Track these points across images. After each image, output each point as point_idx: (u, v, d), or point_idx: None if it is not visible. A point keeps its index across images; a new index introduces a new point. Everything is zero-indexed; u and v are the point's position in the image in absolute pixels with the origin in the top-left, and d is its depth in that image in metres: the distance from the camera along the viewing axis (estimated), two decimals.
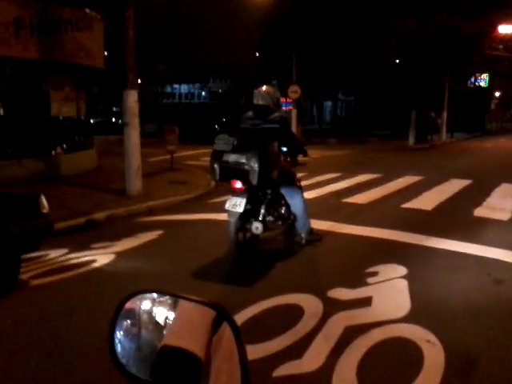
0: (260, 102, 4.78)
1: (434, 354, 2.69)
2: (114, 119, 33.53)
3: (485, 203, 7.37)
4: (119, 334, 0.84)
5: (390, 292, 3.67)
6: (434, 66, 25.00)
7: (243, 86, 32.73)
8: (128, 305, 0.87)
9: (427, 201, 7.56)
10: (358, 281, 3.87)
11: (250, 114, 4.82)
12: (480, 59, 27.95)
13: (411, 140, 22.54)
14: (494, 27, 24.93)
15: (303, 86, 19.30)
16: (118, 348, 0.82)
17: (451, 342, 2.86)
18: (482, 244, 5.08)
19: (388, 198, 8.00)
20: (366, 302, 3.44)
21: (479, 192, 8.36)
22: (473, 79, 33.90)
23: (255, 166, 4.23)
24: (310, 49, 23.58)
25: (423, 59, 23.90)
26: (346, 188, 8.94)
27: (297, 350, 2.74)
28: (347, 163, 14.43)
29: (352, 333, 2.93)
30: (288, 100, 19.72)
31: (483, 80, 36.17)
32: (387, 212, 6.88)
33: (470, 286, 3.93)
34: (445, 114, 26.69)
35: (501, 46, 29.27)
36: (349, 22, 24.37)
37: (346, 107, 37.48)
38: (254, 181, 4.27)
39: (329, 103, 37.09)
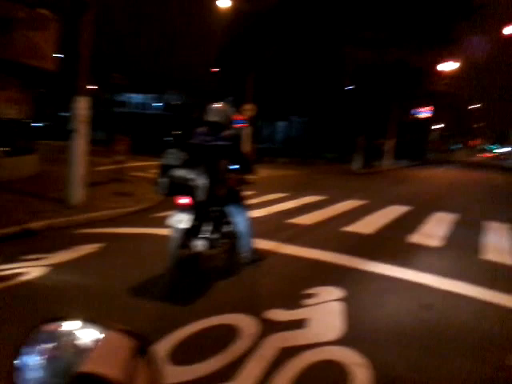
0: (213, 119, 4.80)
1: (363, 377, 2.78)
2: (61, 124, 32.31)
3: (420, 230, 7.77)
4: (28, 361, 0.81)
5: (325, 314, 3.76)
6: (382, 94, 26.30)
7: (198, 100, 32.70)
8: (46, 328, 0.85)
9: (368, 225, 7.86)
10: (296, 302, 3.94)
11: (202, 129, 4.82)
12: (423, 92, 29.72)
13: (358, 164, 23.44)
14: (436, 64, 26.71)
15: (258, 105, 19.60)
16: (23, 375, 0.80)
17: (381, 364, 2.97)
18: (415, 269, 5.33)
19: (331, 220, 8.24)
20: (302, 323, 3.50)
21: (416, 219, 8.80)
22: (416, 110, 35.87)
23: (204, 182, 4.24)
24: (268, 69, 24.07)
25: (375, 88, 25.11)
26: (292, 208, 9.12)
27: (228, 371, 2.74)
28: (295, 184, 14.75)
29: (285, 355, 2.97)
30: (243, 117, 19.94)
31: (424, 112, 38.38)
32: (329, 234, 7.07)
33: (400, 309, 4.10)
34: (391, 142, 28.02)
35: (442, 82, 31.31)
36: (308, 45, 25.16)
37: (299, 128, 38.36)
38: (202, 197, 4.27)
39: (282, 123, 37.93)
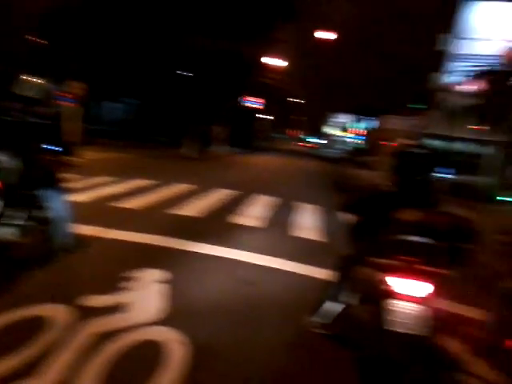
0: (28, 93, 4.29)
1: (182, 353, 2.88)
2: None
3: (244, 211, 8.31)
4: None
5: (147, 296, 3.75)
6: (217, 83, 27.05)
7: (12, 70, 28.72)
8: None
9: (196, 208, 8.06)
10: (116, 286, 3.83)
11: (13, 104, 4.26)
12: (254, 83, 31.58)
13: (190, 149, 23.75)
14: (268, 57, 28.64)
15: (90, 84, 18.19)
16: None
17: (200, 340, 3.10)
18: (236, 248, 5.70)
19: (161, 204, 8.20)
20: (121, 307, 3.43)
21: (241, 201, 9.38)
22: (248, 100, 37.92)
23: (14, 163, 3.78)
24: (101, 47, 22.47)
25: (209, 75, 25.64)
26: (121, 192, 8.78)
27: (36, 364, 2.53)
28: (126, 167, 14.21)
29: (101, 340, 2.88)
30: (70, 95, 18.26)
31: (255, 102, 40.85)
32: (157, 218, 7.04)
33: (221, 286, 4.35)
34: (223, 129, 29.12)
35: (272, 76, 33.76)
36: (143, 27, 24.18)
37: (133, 110, 36.92)
38: (12, 180, 3.80)
39: (117, 104, 35.99)
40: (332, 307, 3.43)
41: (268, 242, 6.43)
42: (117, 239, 5.47)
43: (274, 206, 9.57)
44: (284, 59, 32.82)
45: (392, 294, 2.72)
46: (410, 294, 2.70)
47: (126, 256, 4.90)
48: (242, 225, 7.23)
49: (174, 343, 2.98)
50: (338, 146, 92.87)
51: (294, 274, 5.06)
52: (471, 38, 27.03)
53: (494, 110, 18.84)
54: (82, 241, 4.89)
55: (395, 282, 2.74)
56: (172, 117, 29.48)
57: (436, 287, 2.73)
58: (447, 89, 28.23)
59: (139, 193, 8.88)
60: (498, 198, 18.18)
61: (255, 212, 8.47)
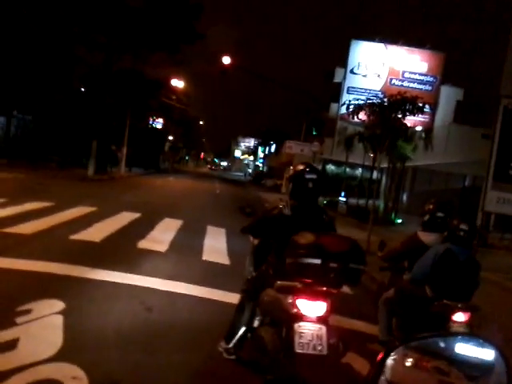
0: None
1: None
2: None
3: (149, 236, 8.09)
4: None
5: (41, 330, 3.46)
6: (117, 101, 26.20)
7: None
8: None
9: (97, 232, 7.66)
10: (6, 321, 3.48)
11: None
12: (157, 104, 31.20)
13: (91, 170, 22.58)
14: (170, 78, 28.53)
15: None
16: None
17: (98, 373, 2.93)
18: (141, 274, 5.52)
19: (57, 228, 7.66)
20: (12, 344, 3.12)
21: (146, 225, 9.12)
22: (151, 121, 37.32)
23: None
24: None
25: (108, 93, 24.73)
26: (10, 216, 8.03)
27: None
28: (16, 188, 13.10)
29: None
30: None
31: (159, 123, 40.41)
32: (54, 244, 6.56)
33: (123, 314, 4.16)
34: (125, 149, 28.14)
35: (174, 97, 33.62)
36: (35, 38, 22.64)
37: (23, 126, 34.19)
38: None
39: (2, 118, 32.99)
40: (239, 331, 3.47)
41: (173, 266, 6.32)
42: (6, 268, 4.97)
43: (179, 229, 9.46)
44: (186, 81, 33.03)
45: (296, 316, 2.84)
46: (310, 314, 2.84)
47: (17, 287, 4.47)
48: (145, 249, 7.03)
49: (70, 380, 2.78)
50: (244, 169, 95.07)
51: (202, 298, 5.02)
52: (361, 74, 29.72)
53: (378, 140, 20.81)
54: None
55: (297, 304, 2.87)
56: (72, 135, 27.82)
57: (329, 306, 2.91)
58: (342, 118, 30.49)
59: (31, 216, 8.20)
60: (396, 220, 19.89)
61: (159, 236, 8.29)
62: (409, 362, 0.89)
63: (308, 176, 3.34)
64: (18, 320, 3.55)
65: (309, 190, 3.33)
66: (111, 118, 27.03)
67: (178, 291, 5.13)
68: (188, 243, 8.04)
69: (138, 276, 5.43)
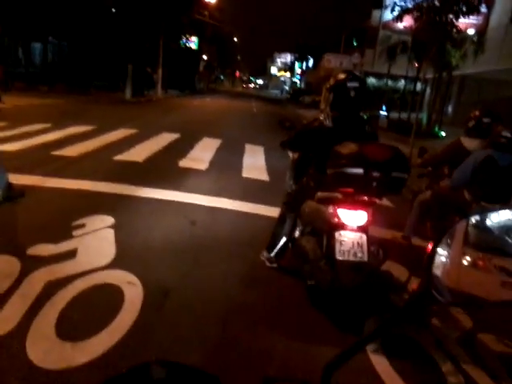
0: None
1: (133, 294, 2.93)
2: None
3: (189, 155, 8.23)
4: None
5: (95, 242, 3.72)
6: (149, 21, 25.42)
7: None
8: None
9: (139, 153, 7.86)
10: (63, 234, 3.76)
11: None
12: (189, 21, 30.02)
13: (128, 93, 22.65)
14: None
15: (5, 22, 16.47)
16: None
17: (150, 280, 3.16)
18: (184, 191, 5.70)
19: (101, 150, 7.91)
20: (70, 254, 3.39)
21: (185, 145, 9.25)
22: (184, 40, 36.22)
23: None
24: None
25: (140, 12, 23.99)
26: (57, 140, 8.33)
27: None
28: (60, 113, 13.40)
29: (53, 287, 2.86)
30: None
31: (193, 42, 39.19)
32: (100, 164, 6.82)
33: (170, 228, 4.37)
34: (160, 71, 27.81)
35: (206, 13, 32.17)
36: None
37: (59, 51, 34.19)
38: None
39: (38, 45, 33.03)
40: (280, 241, 3.59)
41: (214, 183, 6.47)
42: (59, 187, 5.27)
43: (218, 148, 9.54)
44: None
45: (338, 226, 2.89)
46: (351, 223, 2.88)
47: (71, 204, 4.76)
48: (186, 168, 7.19)
49: (126, 285, 3.02)
50: (280, 86, 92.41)
51: (243, 213, 5.18)
52: None
53: (424, 47, 19.41)
54: (21, 191, 4.68)
55: (339, 214, 2.90)
56: (108, 59, 27.63)
57: (370, 215, 2.92)
58: (385, 26, 28.45)
59: (76, 140, 8.47)
60: (440, 133, 19.13)
61: (199, 155, 8.41)
62: (466, 261, 0.78)
63: (350, 84, 3.20)
64: (74, 233, 3.83)
65: (351, 100, 3.21)
66: (144, 39, 26.44)
67: (220, 206, 5.30)
68: (227, 161, 8.14)
69: (181, 193, 5.62)
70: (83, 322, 2.55)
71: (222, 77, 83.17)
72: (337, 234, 2.86)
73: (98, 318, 2.60)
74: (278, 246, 3.60)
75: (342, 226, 2.88)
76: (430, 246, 0.79)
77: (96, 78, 27.51)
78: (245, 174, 7.23)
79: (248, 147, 10.04)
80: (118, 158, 7.32)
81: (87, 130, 9.91)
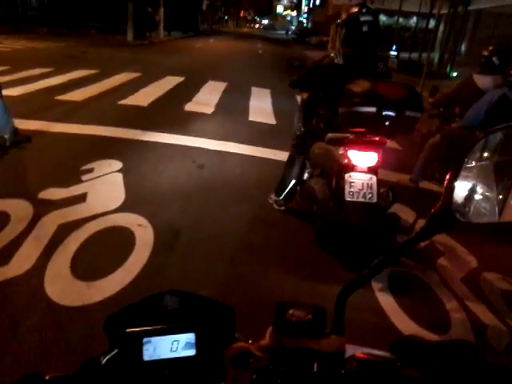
0: None
1: (144, 235, 2.98)
2: None
3: (194, 99, 8.08)
4: None
5: (104, 186, 3.74)
6: None
7: None
8: None
9: (144, 97, 7.73)
10: (73, 179, 3.78)
11: None
12: None
13: (130, 35, 21.90)
14: None
15: None
16: None
17: (160, 222, 3.21)
18: (190, 135, 5.65)
19: (106, 94, 7.78)
20: (81, 198, 3.43)
21: (190, 88, 9.06)
22: None
23: None
24: None
25: None
26: (60, 84, 8.18)
27: (2, 257, 2.57)
28: (61, 57, 13.06)
29: (65, 230, 2.92)
30: None
31: None
32: (104, 109, 6.73)
33: (178, 172, 4.38)
34: (162, 11, 26.69)
35: None
36: None
37: None
38: None
39: None
40: (289, 184, 3.59)
41: (221, 127, 6.39)
42: (65, 132, 5.24)
43: (224, 91, 9.33)
44: None
45: (347, 167, 2.86)
46: (361, 164, 2.85)
47: (78, 148, 4.75)
48: (192, 112, 7.08)
49: (137, 227, 3.07)
50: (286, 26, 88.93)
51: (251, 156, 5.15)
52: None
53: None
54: (27, 136, 4.66)
55: (349, 155, 2.87)
56: None
57: (380, 156, 2.89)
58: None
59: (80, 84, 8.31)
60: (452, 73, 18.49)
61: (205, 98, 8.25)
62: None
63: (363, 18, 3.04)
64: (84, 177, 3.85)
65: (364, 35, 3.07)
66: None
67: (228, 150, 5.27)
68: (234, 105, 8.00)
69: (188, 137, 5.57)
70: (97, 262, 2.63)
71: (226, 17, 79.91)
72: (346, 176, 2.84)
73: (110, 259, 2.67)
74: (287, 189, 3.60)
75: (351, 168, 2.85)
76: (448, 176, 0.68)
77: (96, 19, 26.56)
78: (251, 118, 7.12)
79: (254, 90, 9.82)
80: (123, 102, 7.20)
81: (90, 74, 9.70)
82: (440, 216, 0.63)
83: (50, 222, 3.00)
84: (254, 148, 5.43)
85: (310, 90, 3.55)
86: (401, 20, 27.86)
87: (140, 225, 3.11)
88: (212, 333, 0.61)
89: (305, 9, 74.90)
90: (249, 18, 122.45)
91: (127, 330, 0.58)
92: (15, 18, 21.20)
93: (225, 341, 0.60)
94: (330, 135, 3.03)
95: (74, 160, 4.29)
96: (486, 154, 0.70)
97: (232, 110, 7.58)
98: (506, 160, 0.68)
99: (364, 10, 3.09)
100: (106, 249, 2.78)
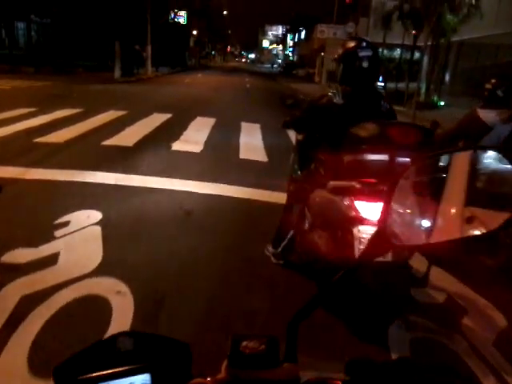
0: None
1: (123, 305, 2.55)
2: None
3: (182, 136, 7.77)
4: None
5: (80, 243, 3.32)
6: None
7: None
8: None
9: (129, 136, 7.40)
10: (44, 236, 3.36)
11: None
12: None
13: (117, 72, 21.89)
14: None
15: None
16: None
17: (142, 287, 2.77)
18: (177, 177, 5.29)
19: (89, 134, 7.45)
20: (52, 260, 3.00)
21: (178, 125, 8.78)
22: (173, 15, 35.07)
23: None
24: None
25: None
26: (42, 125, 7.84)
27: None
28: (45, 96, 12.82)
29: (30, 302, 2.48)
30: None
31: (181, 17, 37.99)
32: (87, 151, 6.37)
33: (164, 221, 3.97)
34: (149, 48, 26.88)
35: None
36: None
37: (44, 31, 33.06)
38: None
39: (22, 25, 31.88)
40: (287, 235, 3.21)
41: (210, 167, 6.05)
42: (41, 179, 4.85)
43: (212, 127, 9.08)
44: None
45: (356, 220, 2.50)
46: (372, 217, 2.49)
47: (53, 198, 4.33)
48: (180, 151, 6.75)
49: (114, 295, 2.65)
50: (272, 60, 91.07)
51: (243, 199, 4.77)
52: None
53: (421, 14, 18.77)
54: (0, 185, 4.26)
55: (357, 206, 2.51)
56: (95, 37, 26.64)
57: None
58: None
59: (63, 124, 7.98)
60: (439, 103, 18.59)
61: (193, 136, 7.95)
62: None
63: (362, 53, 2.75)
64: (57, 233, 3.43)
65: (364, 71, 2.77)
66: (131, 15, 25.43)
67: (218, 193, 4.89)
68: (223, 142, 7.71)
69: (175, 180, 5.21)
70: (62, 347, 2.17)
71: (213, 52, 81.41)
72: (355, 230, 2.47)
73: (80, 341, 2.22)
74: (285, 241, 3.22)
75: (360, 221, 2.49)
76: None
77: (83, 57, 26.58)
78: (242, 155, 6.80)
79: (244, 125, 9.57)
80: (107, 142, 6.86)
81: (75, 113, 9.42)
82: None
83: (12, 293, 2.56)
84: (247, 190, 5.06)
85: (305, 131, 3.23)
86: (385, 52, 28.35)
87: (118, 292, 2.68)
88: (168, 371, 0.59)
89: (290, 43, 76.72)
90: (235, 52, 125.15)
91: (79, 378, 0.54)
92: (2, 58, 21.08)
93: (181, 378, 0.59)
94: (332, 183, 2.67)
95: (47, 212, 3.88)
96: (416, 180, 0.77)
97: (222, 147, 7.27)
98: (433, 184, 0.77)
99: (364, 45, 2.80)
100: (76, 327, 2.34)
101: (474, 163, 0.80)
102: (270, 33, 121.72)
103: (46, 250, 3.14)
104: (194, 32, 47.39)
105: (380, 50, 27.99)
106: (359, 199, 2.51)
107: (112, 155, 6.22)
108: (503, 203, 0.71)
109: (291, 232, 3.19)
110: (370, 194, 2.51)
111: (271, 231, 3.37)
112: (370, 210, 2.50)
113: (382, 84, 23.01)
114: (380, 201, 2.49)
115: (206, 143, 7.41)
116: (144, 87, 19.28)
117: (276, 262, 3.30)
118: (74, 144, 6.69)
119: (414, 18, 19.91)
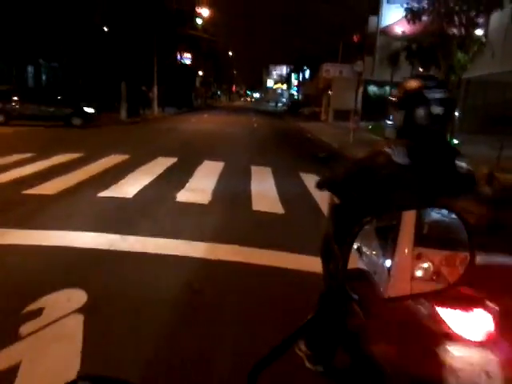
0: None
1: None
2: None
3: (188, 184, 7.04)
4: None
5: (51, 347, 2.46)
6: (142, 37, 24.58)
7: None
8: None
9: (130, 185, 6.69)
10: (9, 332, 2.54)
11: None
12: (183, 36, 29.21)
13: (123, 113, 21.66)
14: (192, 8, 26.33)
15: None
16: None
17: None
18: (183, 238, 4.49)
19: (85, 184, 6.75)
20: (12, 373, 2.18)
21: (184, 171, 8.09)
22: (179, 57, 35.40)
23: None
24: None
25: (131, 28, 23.12)
26: (34, 174, 7.19)
27: None
28: (46, 140, 12.36)
29: None
30: None
31: (187, 58, 38.38)
32: (79, 205, 5.62)
33: (164, 307, 3.11)
34: (155, 89, 26.83)
35: (200, 27, 31.38)
36: None
37: (53, 74, 33.34)
38: None
39: (30, 68, 32.24)
40: (328, 335, 2.38)
41: (220, 223, 5.24)
42: (20, 244, 4.07)
43: (221, 172, 8.37)
44: (210, 8, 30.55)
45: (442, 336, 1.68)
46: (468, 334, 1.67)
47: (29, 273, 3.49)
48: (185, 203, 5.99)
49: None
50: (278, 99, 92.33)
51: (263, 267, 3.91)
52: None
53: (430, 52, 18.50)
54: None
55: (442, 316, 1.70)
56: (101, 79, 26.63)
57: (495, 320, 1.70)
58: (385, 32, 27.58)
59: (58, 172, 7.33)
60: (452, 141, 17.96)
61: (200, 183, 7.22)
62: None
63: (431, 95, 2.02)
64: (23, 330, 2.59)
65: (434, 119, 2.03)
66: (138, 56, 25.50)
67: (231, 259, 4.05)
68: (233, 190, 6.95)
69: (180, 241, 4.41)
70: None
71: (218, 92, 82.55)
72: (445, 354, 1.66)
73: None
74: (326, 340, 2.39)
75: (451, 338, 1.67)
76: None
77: (89, 98, 26.49)
78: (255, 207, 6.02)
79: (254, 170, 8.86)
80: (103, 194, 6.13)
81: (73, 159, 8.81)
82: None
83: None
84: (265, 252, 4.23)
85: (347, 196, 2.45)
86: (392, 90, 28.11)
87: None
88: None
89: (295, 82, 77.65)
90: (241, 92, 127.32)
91: None
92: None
93: None
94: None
95: (18, 293, 3.07)
96: (371, 236, 1.06)
97: (232, 197, 6.52)
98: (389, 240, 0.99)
99: (433, 84, 2.07)
100: None
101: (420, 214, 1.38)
102: (274, 72, 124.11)
103: (2, 359, 2.31)
104: (200, 72, 47.93)
105: (385, 88, 27.76)
106: (444, 305, 1.71)
107: (108, 210, 5.47)
108: (443, 243, 1.21)
109: (333, 332, 2.36)
110: (459, 298, 1.71)
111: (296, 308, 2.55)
112: (463, 321, 1.69)
113: (392, 122, 22.54)
114: (474, 307, 1.69)
115: (215, 192, 6.67)
116: (149, 128, 18.89)
117: (311, 366, 2.46)
118: (66, 196, 5.97)
119: (422, 57, 19.68)
